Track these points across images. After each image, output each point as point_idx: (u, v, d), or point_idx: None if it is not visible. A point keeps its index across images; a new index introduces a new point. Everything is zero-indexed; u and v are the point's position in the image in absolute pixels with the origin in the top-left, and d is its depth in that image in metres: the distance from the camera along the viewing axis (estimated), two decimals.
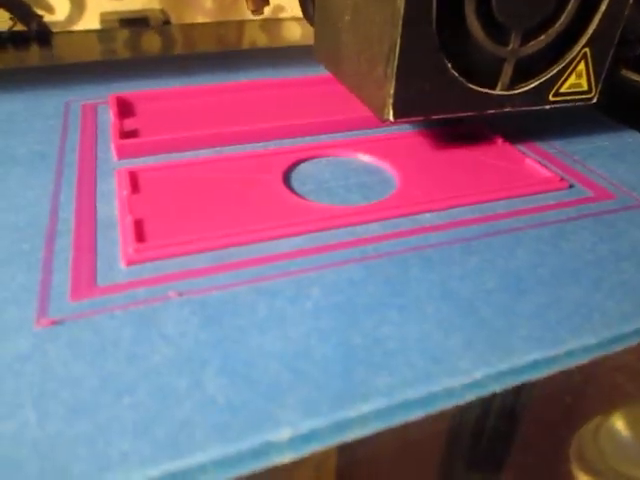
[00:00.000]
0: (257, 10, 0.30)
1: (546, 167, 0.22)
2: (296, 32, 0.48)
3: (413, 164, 0.21)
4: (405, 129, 0.24)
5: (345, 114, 0.24)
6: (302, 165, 0.21)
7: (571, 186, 0.21)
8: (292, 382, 0.13)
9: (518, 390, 0.15)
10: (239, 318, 0.14)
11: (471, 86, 0.20)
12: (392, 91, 0.19)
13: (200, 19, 0.48)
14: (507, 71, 0.20)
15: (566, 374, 0.14)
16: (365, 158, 0.22)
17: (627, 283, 0.16)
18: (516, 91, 0.21)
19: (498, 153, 0.23)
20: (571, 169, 0.22)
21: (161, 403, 0.12)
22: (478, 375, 0.13)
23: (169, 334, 0.14)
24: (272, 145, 0.22)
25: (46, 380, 0.12)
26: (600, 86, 0.22)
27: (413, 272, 0.16)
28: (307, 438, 0.12)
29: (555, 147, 0.24)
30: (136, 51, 0.40)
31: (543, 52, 0.21)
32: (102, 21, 0.44)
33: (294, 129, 0.23)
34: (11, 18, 0.39)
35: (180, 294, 0.15)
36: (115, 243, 0.17)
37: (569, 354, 0.14)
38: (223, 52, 0.28)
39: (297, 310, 0.15)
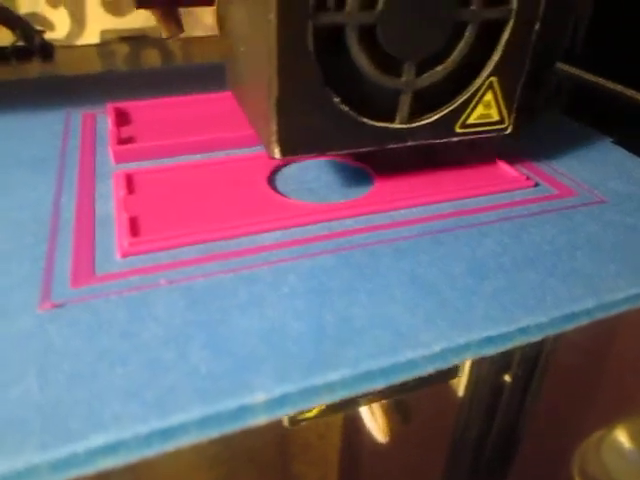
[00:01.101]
0: (172, 36, 0.32)
1: (515, 168, 0.23)
2: None
3: (390, 165, 0.23)
4: None
5: None
6: (286, 167, 0.23)
7: (537, 185, 0.22)
8: (267, 354, 0.14)
9: (520, 402, 0.17)
10: (222, 301, 0.16)
11: (365, 120, 0.19)
12: (275, 128, 0.18)
13: (201, 33, 0.50)
14: (404, 103, 0.19)
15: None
16: (346, 159, 0.24)
17: (579, 270, 0.18)
18: (418, 124, 0.20)
19: (472, 155, 0.24)
20: (539, 170, 0.24)
21: (150, 372, 0.13)
22: (437, 348, 0.14)
23: (159, 315, 0.15)
24: (258, 150, 0.24)
25: (48, 354, 0.14)
26: (514, 116, 0.21)
27: (384, 261, 0.18)
28: (279, 402, 0.13)
29: (526, 151, 0.25)
30: (135, 64, 0.42)
31: (445, 83, 0.20)
32: (102, 39, 0.46)
33: None
34: (14, 34, 0.41)
35: (170, 281, 0.16)
36: (112, 237, 0.18)
37: (521, 331, 0.15)
38: (218, 64, 0.30)
39: (275, 294, 0.16)
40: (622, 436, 0.15)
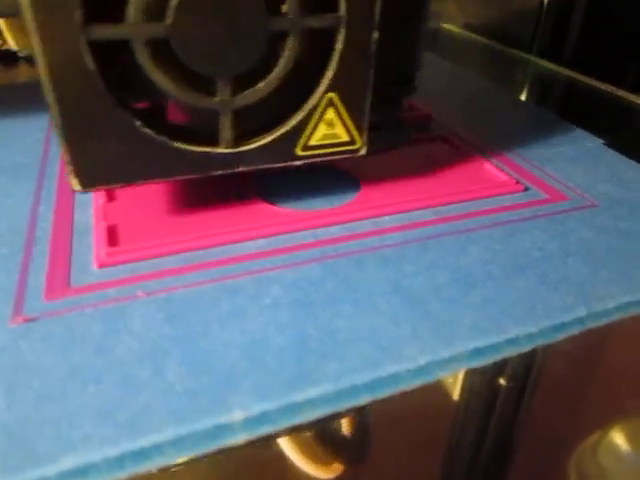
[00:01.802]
0: None
1: (504, 172, 0.23)
2: None
3: (377, 170, 0.23)
4: None
5: None
6: (273, 174, 0.23)
7: (526, 189, 0.22)
8: (247, 369, 0.13)
9: (516, 405, 0.16)
10: (202, 313, 0.15)
11: (180, 146, 0.17)
12: (68, 158, 0.16)
13: None
14: (225, 125, 0.17)
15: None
16: (332, 165, 0.23)
17: (571, 277, 0.17)
18: (247, 147, 0.17)
19: (460, 159, 0.24)
20: (529, 173, 0.23)
21: (124, 391, 0.13)
22: (422, 361, 0.14)
23: (135, 329, 0.15)
24: None
25: (18, 370, 0.13)
26: (366, 135, 0.19)
27: (368, 270, 0.17)
28: (258, 420, 0.13)
29: (516, 152, 0.25)
30: None
31: (277, 101, 0.17)
32: None
33: None
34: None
35: (147, 293, 0.16)
36: (90, 247, 0.18)
37: (510, 342, 0.15)
38: None
39: (257, 305, 0.16)
40: (619, 438, 0.15)
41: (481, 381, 0.17)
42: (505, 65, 0.42)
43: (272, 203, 0.20)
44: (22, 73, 0.41)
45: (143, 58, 0.15)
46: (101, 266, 0.17)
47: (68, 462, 0.11)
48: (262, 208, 0.20)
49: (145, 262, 0.17)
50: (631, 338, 0.18)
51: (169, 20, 0.15)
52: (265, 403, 0.13)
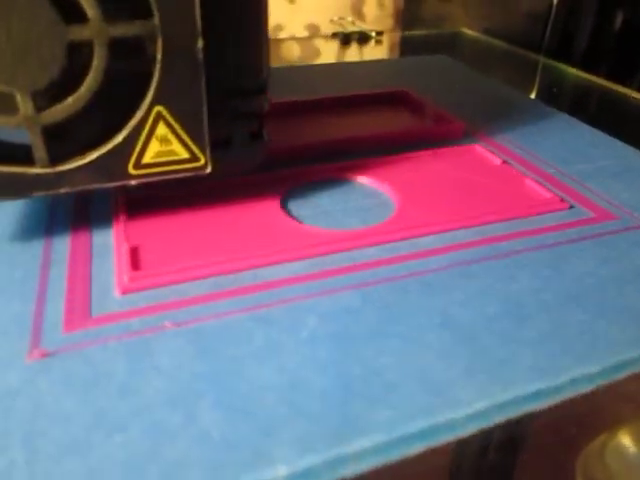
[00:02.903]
0: None
1: (546, 188, 0.21)
2: (295, 52, 0.48)
3: (412, 187, 0.21)
4: (403, 151, 0.24)
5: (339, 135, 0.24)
6: (299, 189, 0.21)
7: (571, 207, 0.21)
8: (288, 416, 0.12)
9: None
10: (235, 348, 0.14)
11: None
12: None
13: None
14: (37, 144, 0.15)
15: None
16: (363, 180, 0.22)
17: (631, 308, 0.16)
18: (68, 167, 0.16)
19: (498, 174, 0.23)
20: (571, 189, 0.22)
21: (154, 440, 0.12)
22: (480, 406, 0.13)
23: (163, 366, 0.13)
24: (270, 170, 0.22)
25: (37, 417, 0.12)
26: (208, 151, 0.17)
27: (412, 298, 0.16)
28: (303, 475, 0.11)
29: (555, 167, 0.24)
30: None
31: (99, 116, 0.16)
32: None
33: (291, 151, 0.23)
34: None
35: (176, 324, 0.15)
36: (110, 272, 0.17)
37: (573, 383, 0.14)
38: None
39: (293, 339, 0.14)
40: (626, 440, 0.14)
41: None
42: (529, 71, 0.41)
43: (300, 222, 0.19)
44: None
45: None
46: (124, 292, 0.16)
47: None
48: (292, 227, 0.19)
49: (170, 287, 0.16)
50: None
51: None
52: (310, 456, 0.11)
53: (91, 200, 0.20)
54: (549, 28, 0.41)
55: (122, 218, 0.18)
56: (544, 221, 0.20)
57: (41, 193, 0.16)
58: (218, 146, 0.18)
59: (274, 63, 0.45)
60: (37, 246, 0.18)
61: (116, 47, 0.15)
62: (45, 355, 0.14)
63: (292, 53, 0.48)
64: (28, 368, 0.13)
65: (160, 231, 0.18)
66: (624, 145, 0.26)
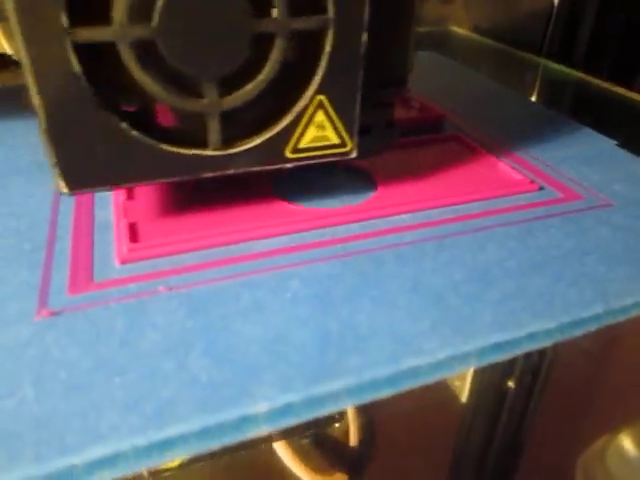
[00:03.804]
0: None
1: (518, 171, 0.23)
2: None
3: (393, 170, 0.23)
4: None
5: None
6: (290, 172, 0.23)
7: (541, 188, 0.22)
8: (270, 363, 0.14)
9: (524, 408, 0.16)
10: (223, 308, 0.15)
11: (168, 148, 0.16)
12: (54, 160, 0.16)
13: None
14: (214, 128, 0.17)
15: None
16: (349, 164, 0.23)
17: (589, 274, 0.17)
18: (237, 150, 0.17)
19: (474, 159, 0.24)
20: (543, 173, 0.23)
21: (149, 382, 0.13)
22: (442, 355, 0.14)
23: (158, 323, 0.15)
24: None
25: (44, 363, 0.13)
26: (357, 138, 0.18)
27: (387, 267, 0.17)
28: (282, 412, 0.13)
29: (529, 153, 0.25)
30: None
31: (266, 103, 0.17)
32: None
33: None
34: None
35: (169, 288, 0.16)
36: (111, 244, 0.18)
37: (530, 337, 0.15)
38: None
39: (277, 300, 0.16)
40: (627, 442, 0.15)
41: (489, 384, 0.17)
42: (514, 67, 0.42)
43: (289, 201, 0.21)
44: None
45: (129, 60, 0.15)
46: (123, 262, 0.17)
47: (96, 452, 0.11)
48: (280, 206, 0.20)
49: (166, 258, 0.17)
50: (638, 341, 0.18)
51: (154, 22, 0.15)
52: (289, 395, 0.13)
53: None
54: (550, 28, 0.42)
55: (122, 197, 0.20)
56: (515, 201, 0.21)
57: (209, 174, 0.17)
58: (361, 133, 0.19)
59: None
60: (43, 222, 0.19)
61: (291, 39, 0.16)
62: (52, 314, 0.15)
63: None
64: (37, 324, 0.15)
65: (157, 209, 0.20)
66: (596, 133, 0.27)
